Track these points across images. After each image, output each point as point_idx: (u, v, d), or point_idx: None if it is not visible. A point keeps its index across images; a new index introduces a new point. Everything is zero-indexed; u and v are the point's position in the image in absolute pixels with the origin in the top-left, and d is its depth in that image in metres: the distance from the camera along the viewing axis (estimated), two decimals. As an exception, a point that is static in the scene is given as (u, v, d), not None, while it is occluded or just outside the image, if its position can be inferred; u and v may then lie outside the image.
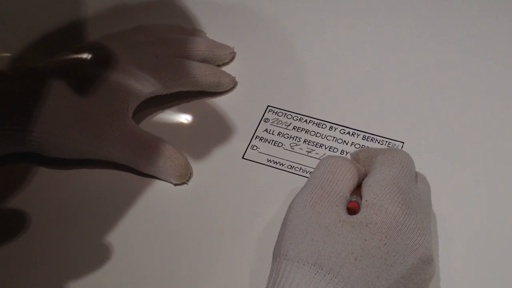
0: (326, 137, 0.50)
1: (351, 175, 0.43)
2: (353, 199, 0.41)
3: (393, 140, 0.49)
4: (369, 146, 0.49)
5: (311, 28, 0.57)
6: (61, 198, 0.49)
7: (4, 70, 0.50)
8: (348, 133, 0.50)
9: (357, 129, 0.50)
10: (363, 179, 0.43)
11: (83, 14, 0.59)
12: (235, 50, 0.55)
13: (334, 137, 0.49)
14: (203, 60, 0.53)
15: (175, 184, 0.48)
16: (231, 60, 0.55)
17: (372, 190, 0.42)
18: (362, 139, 0.49)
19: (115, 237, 0.46)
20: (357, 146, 0.49)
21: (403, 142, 0.49)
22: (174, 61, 0.51)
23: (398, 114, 0.52)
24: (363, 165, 0.46)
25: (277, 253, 0.41)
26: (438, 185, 0.46)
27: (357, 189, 0.43)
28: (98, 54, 0.50)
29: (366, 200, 0.41)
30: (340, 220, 0.40)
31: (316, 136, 0.50)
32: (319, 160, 0.47)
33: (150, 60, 0.50)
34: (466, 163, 0.49)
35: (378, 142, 0.49)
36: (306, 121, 0.51)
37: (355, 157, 0.47)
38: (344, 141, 0.49)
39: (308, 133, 0.50)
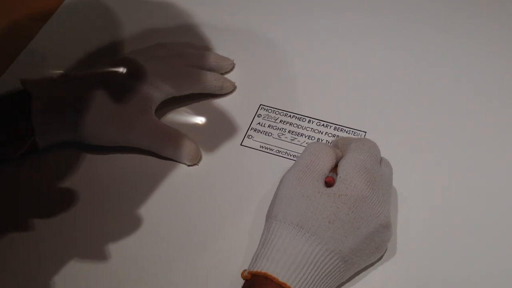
0: (305, 128, 0.57)
1: (330, 158, 0.48)
2: (330, 175, 0.47)
3: (357, 130, 0.56)
4: (340, 135, 0.56)
5: (293, 45, 0.63)
6: (99, 175, 0.55)
7: (55, 77, 0.56)
8: (323, 125, 0.57)
9: (329, 121, 0.57)
10: (340, 161, 0.49)
11: (114, 35, 0.65)
12: (234, 62, 0.61)
13: (311, 128, 0.57)
14: (210, 69, 0.59)
15: (188, 165, 0.55)
16: (231, 70, 0.61)
17: (345, 169, 0.47)
18: (334, 129, 0.56)
19: (143, 206, 0.53)
20: (330, 135, 0.56)
21: (365, 132, 0.56)
22: (186, 70, 0.57)
23: (362, 110, 0.58)
24: (341, 149, 0.51)
25: (269, 216, 0.47)
26: (397, 167, 0.51)
27: (335, 168, 0.48)
28: (127, 66, 0.56)
29: (340, 177, 0.47)
30: (319, 192, 0.46)
31: (298, 127, 0.57)
32: (301, 146, 0.55)
33: (167, 69, 0.56)
34: (421, 148, 0.55)
35: (346, 132, 0.56)
36: (290, 116, 0.58)
37: (335, 143, 0.52)
38: (320, 131, 0.56)
39: (292, 125, 0.57)
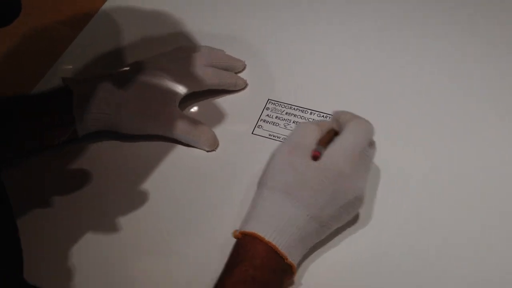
0: (308, 119, 0.62)
1: (314, 134, 0.53)
2: (317, 149, 0.51)
3: None
4: None
5: (296, 48, 0.69)
6: (129, 159, 0.61)
7: (92, 76, 0.62)
8: (323, 116, 0.62)
9: (328, 113, 0.62)
10: (328, 132, 0.53)
11: (143, 40, 0.71)
12: (246, 63, 0.67)
13: (313, 119, 0.62)
14: (225, 69, 0.65)
15: (207, 151, 0.60)
16: (243, 70, 0.67)
17: (335, 147, 0.51)
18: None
19: (168, 184, 0.59)
20: None
21: None
22: (205, 69, 0.63)
23: (356, 102, 0.62)
24: (341, 125, 0.53)
25: (260, 183, 0.52)
26: (386, 151, 0.56)
27: (325, 138, 0.53)
28: (154, 66, 0.61)
29: (327, 152, 0.51)
30: (306, 165, 0.50)
31: (301, 118, 0.62)
32: None
33: (188, 68, 0.62)
34: (409, 134, 0.60)
35: None
36: (294, 109, 0.63)
37: (337, 117, 0.54)
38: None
39: (296, 116, 0.62)
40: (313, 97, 0.64)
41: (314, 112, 0.63)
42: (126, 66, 0.63)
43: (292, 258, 0.49)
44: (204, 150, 0.61)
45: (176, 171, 0.60)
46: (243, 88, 0.66)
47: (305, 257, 0.52)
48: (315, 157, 0.51)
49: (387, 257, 0.53)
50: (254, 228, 0.49)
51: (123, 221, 0.57)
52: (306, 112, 0.63)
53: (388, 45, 0.69)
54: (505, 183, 0.57)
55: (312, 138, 0.53)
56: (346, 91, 0.65)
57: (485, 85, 0.64)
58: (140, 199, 0.58)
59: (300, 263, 0.51)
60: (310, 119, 0.62)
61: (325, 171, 0.50)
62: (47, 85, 0.66)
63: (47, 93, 0.62)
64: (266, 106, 0.64)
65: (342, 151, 0.51)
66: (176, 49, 0.65)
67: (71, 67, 0.69)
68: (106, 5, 0.77)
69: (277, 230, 0.48)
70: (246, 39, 0.71)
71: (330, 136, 0.53)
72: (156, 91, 0.60)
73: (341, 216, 0.52)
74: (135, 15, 0.75)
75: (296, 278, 0.51)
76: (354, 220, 0.55)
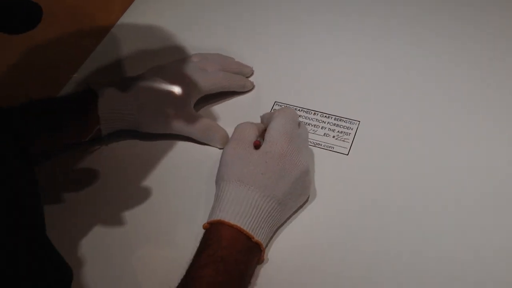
0: (311, 119, 0.66)
1: (253, 129, 0.58)
2: (257, 139, 0.57)
3: (352, 119, 0.65)
4: (338, 124, 0.65)
5: (300, 54, 0.74)
6: (149, 155, 0.65)
7: (115, 80, 0.65)
8: (325, 116, 0.67)
9: (330, 113, 0.67)
10: (264, 130, 0.58)
11: (159, 48, 0.76)
12: (253, 69, 0.72)
13: (316, 119, 0.66)
14: (235, 73, 0.69)
15: (220, 148, 0.64)
16: (251, 74, 0.71)
17: (270, 132, 0.57)
18: (334, 119, 0.66)
19: (184, 177, 0.63)
20: (330, 124, 0.66)
21: (359, 121, 0.65)
22: (217, 73, 0.67)
23: (356, 104, 0.67)
24: (267, 121, 0.59)
25: (217, 180, 0.56)
26: (381, 149, 0.62)
27: (263, 134, 0.58)
28: (171, 70, 0.66)
29: (266, 139, 0.57)
30: (250, 153, 0.56)
31: (305, 118, 0.66)
32: (308, 132, 0.64)
33: (201, 72, 0.66)
34: (405, 135, 0.64)
35: (343, 121, 0.66)
36: (299, 110, 0.67)
37: (262, 117, 0.61)
38: (323, 121, 0.66)
39: (300, 117, 0.66)
40: (317, 98, 0.69)
41: (318, 112, 0.67)
42: (147, 71, 0.67)
43: (258, 237, 0.52)
44: (217, 147, 0.65)
45: (191, 166, 0.64)
46: (251, 90, 0.70)
47: (272, 238, 0.56)
48: (257, 146, 0.57)
49: (340, 233, 0.57)
50: (219, 216, 0.53)
51: (141, 210, 0.61)
52: (310, 113, 0.67)
53: (385, 50, 0.74)
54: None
55: (251, 132, 0.58)
56: (348, 92, 0.69)
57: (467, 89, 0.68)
58: (158, 190, 0.62)
59: (268, 243, 0.55)
60: (313, 119, 0.67)
61: (267, 154, 0.55)
62: (71, 87, 0.70)
63: (72, 95, 0.66)
64: (273, 108, 0.68)
65: (276, 134, 0.56)
66: (191, 56, 0.70)
67: (94, 72, 0.74)
68: (122, 20, 0.82)
69: (239, 214, 0.52)
70: (254, 47, 0.76)
71: (265, 130, 0.59)
72: (173, 93, 0.64)
73: (295, 192, 0.56)
74: (150, 28, 0.80)
75: (265, 256, 0.55)
76: (310, 201, 0.59)
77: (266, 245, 0.55)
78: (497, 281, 0.53)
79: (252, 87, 0.70)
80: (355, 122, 0.66)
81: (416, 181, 0.60)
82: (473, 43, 0.73)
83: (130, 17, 0.83)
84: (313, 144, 0.65)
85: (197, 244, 0.53)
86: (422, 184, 0.60)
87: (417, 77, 0.70)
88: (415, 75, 0.70)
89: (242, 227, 0.52)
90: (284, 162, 0.55)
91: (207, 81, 0.66)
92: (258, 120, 0.66)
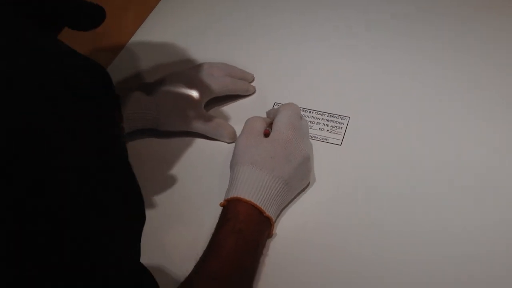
0: (307, 116, 0.73)
1: (262, 121, 0.65)
2: (267, 129, 0.65)
3: (343, 115, 0.73)
4: (330, 120, 0.72)
5: (294, 61, 0.81)
6: (167, 149, 0.72)
7: (135, 85, 0.72)
8: (319, 113, 0.74)
9: (323, 111, 0.74)
10: (270, 123, 0.65)
11: (172, 58, 0.84)
12: (254, 76, 0.79)
13: (312, 116, 0.73)
14: (239, 79, 0.77)
15: (228, 143, 0.71)
16: (253, 80, 0.79)
17: (277, 123, 0.64)
18: (327, 116, 0.73)
19: (197, 167, 0.70)
20: (324, 120, 0.73)
21: (349, 116, 0.73)
22: (224, 78, 0.74)
23: (346, 102, 0.74)
24: (273, 115, 0.66)
25: (231, 165, 0.63)
26: (371, 143, 0.69)
27: (269, 126, 0.65)
28: (184, 76, 0.73)
29: (274, 128, 0.63)
30: (260, 141, 0.63)
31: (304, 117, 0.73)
32: None
33: (210, 77, 0.73)
34: (391, 127, 0.71)
35: (336, 117, 0.73)
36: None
37: (268, 112, 0.68)
38: (317, 117, 0.73)
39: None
40: (312, 98, 0.76)
41: (313, 111, 0.75)
42: (163, 76, 0.74)
43: (269, 212, 0.59)
44: (226, 142, 0.72)
45: (203, 158, 0.71)
46: (253, 93, 0.78)
47: (279, 217, 0.63)
48: (266, 135, 0.64)
49: (336, 213, 0.64)
50: (235, 194, 0.59)
51: (163, 197, 0.68)
52: (306, 111, 0.75)
53: (372, 52, 0.82)
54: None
55: (260, 124, 0.65)
56: (338, 92, 0.77)
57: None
58: (174, 179, 0.69)
59: (276, 220, 0.62)
60: (309, 116, 0.74)
61: (276, 141, 0.62)
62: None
63: None
64: (273, 107, 0.76)
65: (283, 124, 0.64)
66: (201, 64, 0.77)
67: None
68: (135, 37, 0.90)
69: (252, 191, 0.59)
70: (254, 56, 0.83)
71: (271, 123, 0.66)
72: (188, 95, 0.71)
73: (298, 175, 0.63)
74: (161, 42, 0.88)
75: (274, 231, 0.62)
76: (309, 186, 0.66)
77: (275, 221, 0.62)
78: (493, 275, 0.57)
79: (254, 91, 0.78)
80: (346, 117, 0.74)
81: (402, 167, 0.68)
82: (460, 43, 0.81)
83: (142, 33, 0.90)
84: (310, 137, 0.71)
85: (215, 223, 0.59)
86: (408, 169, 0.67)
87: (403, 77, 0.78)
88: (401, 75, 0.78)
89: (255, 202, 0.58)
90: (289, 148, 0.62)
91: (216, 85, 0.73)
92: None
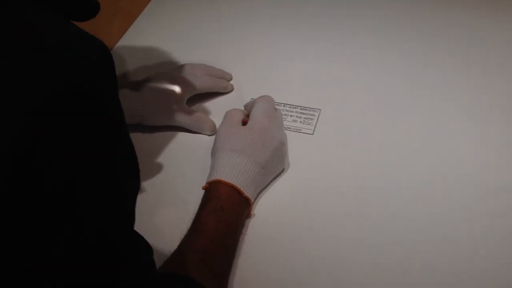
0: (281, 110, 0.78)
1: (240, 112, 0.71)
2: (245, 118, 0.70)
3: (314, 108, 0.78)
4: (303, 112, 0.78)
5: (268, 60, 0.87)
6: (151, 143, 0.76)
7: (124, 84, 0.77)
8: (292, 107, 0.79)
9: (296, 105, 0.79)
10: (248, 114, 0.70)
11: (159, 60, 0.89)
12: (232, 75, 0.84)
13: (286, 110, 0.79)
14: (219, 77, 0.82)
15: (209, 135, 0.76)
16: (231, 79, 0.84)
17: (253, 113, 0.69)
18: (300, 109, 0.78)
19: (181, 157, 0.74)
20: (297, 112, 0.78)
21: (320, 109, 0.78)
22: (204, 77, 0.79)
23: (317, 96, 0.80)
24: (250, 107, 0.71)
25: (212, 152, 0.68)
26: (340, 131, 0.74)
27: (248, 116, 0.70)
28: (168, 75, 0.77)
29: (251, 118, 0.68)
30: (239, 129, 0.68)
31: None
32: None
33: (192, 76, 0.78)
34: (359, 118, 0.76)
35: (307, 110, 0.78)
36: None
37: (245, 105, 0.74)
38: (291, 111, 0.78)
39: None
40: (285, 94, 0.82)
41: (286, 104, 0.80)
42: (149, 76, 0.79)
43: (247, 193, 0.64)
44: (207, 134, 0.77)
45: (186, 150, 0.76)
46: (231, 91, 0.83)
47: (257, 199, 0.68)
48: (244, 123, 0.69)
49: (310, 195, 0.69)
50: (216, 177, 0.64)
51: (150, 182, 0.72)
52: (280, 105, 0.80)
53: (346, 49, 0.88)
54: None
55: (238, 114, 0.71)
56: (309, 87, 0.83)
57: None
58: (160, 168, 0.74)
59: (254, 201, 0.67)
60: (283, 110, 0.79)
61: (253, 129, 0.68)
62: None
63: None
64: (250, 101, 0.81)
65: (259, 114, 0.69)
66: (183, 64, 0.82)
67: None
68: (121, 42, 0.94)
69: (232, 174, 0.63)
70: (232, 56, 0.89)
71: (249, 114, 0.71)
72: (172, 92, 0.76)
73: (274, 159, 0.67)
74: (146, 47, 0.93)
75: (252, 211, 0.67)
76: (284, 171, 0.71)
77: (253, 203, 0.67)
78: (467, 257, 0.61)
79: (232, 89, 0.83)
80: (317, 110, 0.79)
81: (370, 153, 0.73)
82: (424, 35, 0.89)
83: (127, 39, 0.95)
84: (285, 128, 0.76)
85: (198, 205, 0.63)
86: (376, 155, 0.73)
87: (370, 70, 0.84)
88: (368, 68, 0.84)
89: (235, 184, 0.63)
90: (265, 135, 0.68)
91: (197, 83, 0.79)
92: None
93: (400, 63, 0.85)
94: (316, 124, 0.78)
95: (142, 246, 0.47)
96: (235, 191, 0.63)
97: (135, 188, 0.45)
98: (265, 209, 0.68)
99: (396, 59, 0.86)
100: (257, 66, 0.88)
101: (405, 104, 0.79)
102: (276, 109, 0.73)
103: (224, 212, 0.61)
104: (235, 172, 0.64)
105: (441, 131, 0.75)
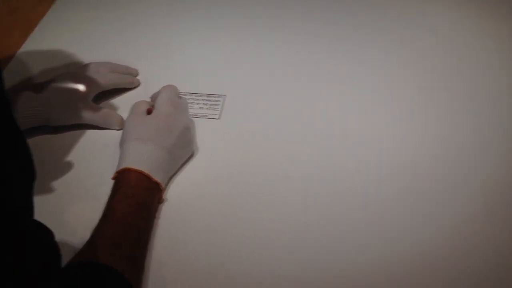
0: (188, 99, 0.79)
1: (144, 103, 0.72)
2: (149, 108, 0.71)
3: (220, 94, 0.81)
4: (209, 98, 0.80)
5: (170, 56, 0.89)
6: (60, 143, 0.76)
7: (27, 86, 0.76)
8: (199, 95, 0.81)
9: (201, 93, 0.82)
10: (154, 104, 0.72)
11: (65, 60, 0.89)
12: (138, 70, 0.85)
13: (192, 98, 0.81)
14: (125, 73, 0.83)
15: (117, 129, 0.76)
16: (137, 75, 0.85)
17: (157, 101, 0.71)
18: (206, 96, 0.81)
19: (93, 153, 0.74)
20: (203, 100, 0.80)
21: (225, 94, 0.81)
22: (109, 74, 0.80)
23: (222, 82, 0.83)
24: (155, 97, 0.72)
25: (121, 143, 0.68)
26: (246, 115, 0.77)
27: (153, 106, 0.71)
28: (73, 74, 0.77)
29: (155, 106, 0.70)
30: (144, 118, 0.69)
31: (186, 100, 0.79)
32: (191, 109, 0.78)
33: (96, 74, 0.78)
34: (261, 102, 0.80)
35: (213, 96, 0.80)
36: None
37: (151, 96, 0.74)
38: (197, 99, 0.80)
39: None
40: (189, 84, 0.83)
41: (192, 93, 0.82)
42: (54, 76, 0.78)
43: (157, 178, 0.65)
44: (115, 129, 0.77)
45: (96, 146, 0.76)
46: (138, 86, 0.84)
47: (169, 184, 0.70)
48: (149, 112, 0.71)
49: (219, 176, 0.72)
50: (124, 165, 0.65)
51: (61, 181, 0.72)
52: (186, 95, 0.82)
53: (245, 38, 0.92)
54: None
55: (143, 105, 0.72)
56: (214, 74, 0.86)
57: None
58: (70, 166, 0.74)
59: (166, 186, 0.68)
60: (190, 99, 0.81)
61: (157, 116, 0.69)
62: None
63: None
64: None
65: (163, 102, 0.71)
66: (87, 63, 0.82)
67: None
68: (23, 48, 0.93)
69: (140, 162, 0.65)
70: (137, 53, 0.90)
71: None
72: (77, 90, 0.76)
73: (180, 143, 0.69)
74: (52, 50, 0.92)
75: (164, 196, 0.68)
76: (193, 155, 0.73)
77: (165, 188, 0.68)
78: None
79: (138, 84, 0.85)
80: (222, 96, 0.82)
81: (273, 133, 0.77)
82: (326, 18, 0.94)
83: (29, 46, 0.94)
84: (192, 115, 0.79)
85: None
86: (279, 135, 0.77)
87: (271, 58, 0.88)
88: (270, 56, 0.88)
89: (143, 170, 0.64)
90: (170, 121, 0.69)
91: (102, 80, 0.79)
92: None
93: (301, 47, 0.89)
94: (222, 109, 0.80)
95: (43, 232, 0.48)
96: (144, 177, 0.64)
97: (29, 179, 0.46)
98: (177, 194, 0.70)
99: (297, 42, 0.90)
100: (163, 59, 0.90)
101: (307, 85, 0.83)
102: (180, 96, 0.75)
103: (134, 198, 0.62)
104: (142, 159, 0.65)
105: (342, 109, 0.79)
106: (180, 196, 0.70)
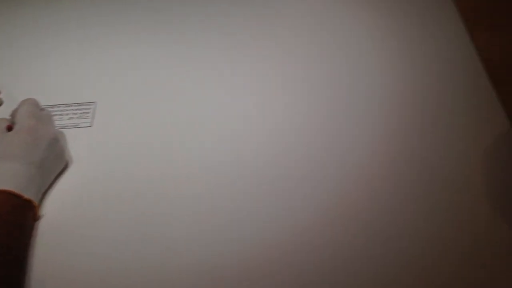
0: (56, 111, 0.77)
1: (3, 120, 0.67)
2: (9, 124, 0.67)
3: (90, 102, 0.78)
4: (78, 108, 0.78)
5: (35, 62, 0.85)
6: None
7: None
8: (67, 106, 0.78)
9: (71, 103, 0.79)
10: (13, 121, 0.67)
11: None
12: (2, 89, 0.80)
13: (60, 110, 0.78)
14: None
15: None
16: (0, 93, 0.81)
17: (17, 116, 0.67)
18: (75, 106, 0.78)
19: None
20: (73, 109, 0.77)
21: (95, 101, 0.78)
22: None
23: (92, 89, 0.80)
24: (14, 113, 0.68)
25: None
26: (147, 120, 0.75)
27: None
28: None
29: (15, 121, 0.67)
30: (5, 136, 0.65)
31: (56, 112, 0.77)
32: (62, 121, 0.75)
33: None
34: (131, 106, 0.78)
35: (83, 105, 0.78)
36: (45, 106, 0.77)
37: (11, 113, 0.69)
38: (65, 110, 0.77)
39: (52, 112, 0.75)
40: (56, 96, 0.80)
41: (60, 105, 0.79)
42: None
43: (29, 195, 0.62)
44: None
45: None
46: (1, 105, 0.80)
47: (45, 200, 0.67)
48: (10, 129, 0.67)
49: (96, 185, 0.70)
50: None
51: None
52: (54, 107, 0.78)
53: (116, 45, 0.89)
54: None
55: (2, 122, 0.68)
56: (83, 83, 0.83)
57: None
58: None
59: (41, 202, 0.66)
60: (58, 111, 0.78)
61: (19, 132, 0.66)
62: None
63: None
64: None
65: (23, 116, 0.68)
66: None
67: None
68: None
69: (7, 181, 0.61)
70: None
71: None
72: None
73: (50, 156, 0.67)
74: None
75: (40, 213, 0.66)
76: (70, 166, 0.71)
77: (39, 204, 0.66)
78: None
79: (1, 103, 0.80)
80: (92, 103, 0.80)
81: (147, 136, 0.75)
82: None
83: None
84: (62, 127, 0.76)
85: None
86: (153, 137, 0.75)
87: (142, 64, 0.86)
88: (143, 63, 0.86)
89: (9, 189, 0.61)
90: (34, 134, 0.66)
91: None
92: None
93: (172, 47, 0.88)
94: (94, 117, 0.78)
95: None
96: (13, 196, 0.61)
97: None
98: (55, 209, 0.67)
99: (167, 43, 0.89)
100: (27, 75, 0.85)
101: (177, 87, 0.82)
102: (42, 108, 0.72)
103: (2, 218, 0.59)
104: (9, 178, 0.62)
105: (216, 110, 0.79)
106: (58, 210, 0.67)
